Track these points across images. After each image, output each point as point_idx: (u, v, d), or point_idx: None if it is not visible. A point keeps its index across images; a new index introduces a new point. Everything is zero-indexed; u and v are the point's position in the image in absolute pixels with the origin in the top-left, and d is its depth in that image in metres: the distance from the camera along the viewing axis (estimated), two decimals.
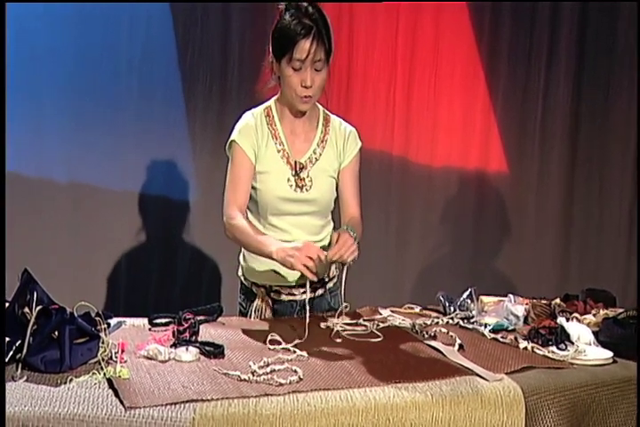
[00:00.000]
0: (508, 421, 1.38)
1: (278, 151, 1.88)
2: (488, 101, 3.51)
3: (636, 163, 3.43)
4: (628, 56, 3.52)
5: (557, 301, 1.94)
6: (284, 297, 1.95)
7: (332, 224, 2.02)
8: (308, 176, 1.89)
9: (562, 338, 1.66)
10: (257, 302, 1.95)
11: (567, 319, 1.79)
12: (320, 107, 1.96)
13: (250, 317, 1.95)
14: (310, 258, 1.63)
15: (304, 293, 1.96)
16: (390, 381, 1.41)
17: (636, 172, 3.49)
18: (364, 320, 1.83)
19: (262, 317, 1.94)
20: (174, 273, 3.21)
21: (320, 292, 2.00)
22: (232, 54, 3.16)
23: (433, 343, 1.67)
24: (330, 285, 2.02)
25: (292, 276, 1.92)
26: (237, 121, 1.92)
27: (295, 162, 1.89)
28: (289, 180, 1.88)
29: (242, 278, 2.03)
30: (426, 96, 3.44)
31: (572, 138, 3.59)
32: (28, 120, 2.92)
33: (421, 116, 3.45)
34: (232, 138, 1.88)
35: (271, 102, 1.93)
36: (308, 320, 1.66)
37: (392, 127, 3.42)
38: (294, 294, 1.95)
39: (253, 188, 1.89)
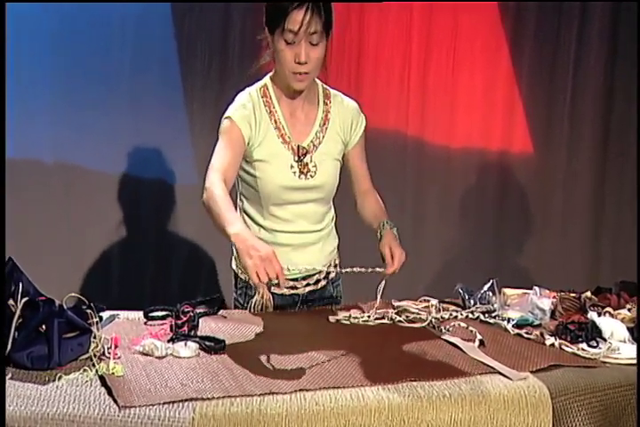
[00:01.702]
0: (533, 423, 1.38)
1: (278, 136, 1.85)
2: (512, 77, 3.46)
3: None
4: None
5: (588, 294, 1.92)
6: (285, 291, 1.94)
7: (332, 210, 2.01)
8: (312, 161, 1.87)
9: (593, 334, 1.65)
10: (257, 298, 1.93)
11: (599, 314, 1.78)
12: (318, 82, 1.92)
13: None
14: (268, 275, 1.49)
15: (307, 285, 1.95)
16: (405, 379, 1.41)
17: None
18: (377, 314, 1.82)
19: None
20: (171, 263, 3.21)
21: (323, 283, 2.00)
22: (233, 27, 3.11)
23: (451, 339, 1.66)
24: (332, 275, 2.02)
25: (294, 267, 1.90)
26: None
27: (298, 146, 1.86)
28: (292, 166, 1.86)
29: (237, 272, 2.00)
30: (444, 71, 3.40)
31: (604, 118, 3.53)
32: (13, 100, 2.90)
33: (438, 92, 3.40)
34: (228, 114, 1.84)
35: (266, 80, 1.89)
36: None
37: (406, 105, 3.39)
38: (297, 288, 1.95)
39: (253, 176, 1.87)
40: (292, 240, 1.92)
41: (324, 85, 1.94)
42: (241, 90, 1.91)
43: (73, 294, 1.51)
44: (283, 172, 1.85)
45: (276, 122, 1.85)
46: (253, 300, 1.94)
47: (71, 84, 2.99)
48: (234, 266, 2.02)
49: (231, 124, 1.83)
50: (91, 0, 2.91)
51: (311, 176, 1.87)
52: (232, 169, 1.80)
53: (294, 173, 1.86)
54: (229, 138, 1.82)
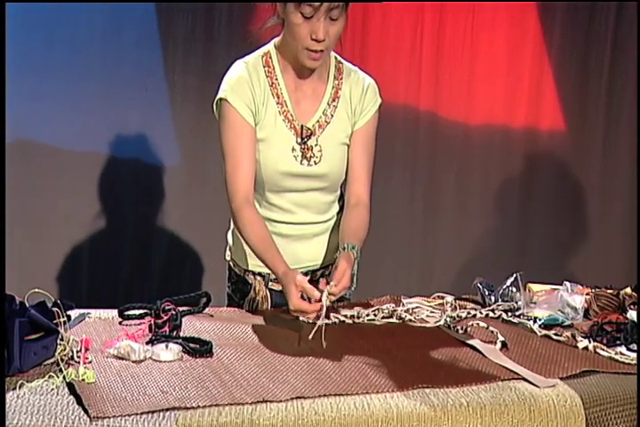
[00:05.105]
0: None
1: (280, 113, 1.84)
2: (541, 42, 3.45)
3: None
4: None
5: (628, 290, 1.93)
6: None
7: (339, 199, 1.99)
8: (316, 144, 1.86)
9: (633, 336, 1.65)
10: (252, 294, 1.94)
11: None
12: (332, 54, 1.89)
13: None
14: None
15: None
16: (416, 385, 1.41)
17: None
18: (384, 312, 1.82)
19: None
20: (150, 255, 3.22)
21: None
22: None
23: (469, 341, 1.67)
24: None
25: (296, 262, 1.91)
26: (227, 70, 1.86)
27: (301, 127, 1.85)
28: (294, 149, 1.85)
29: (231, 264, 2.01)
30: (461, 35, 3.40)
31: None
32: None
33: (455, 61, 3.41)
34: (221, 95, 1.82)
35: (270, 48, 1.87)
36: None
37: (418, 75, 3.39)
38: None
39: None
40: (292, 231, 1.92)
41: (339, 58, 1.92)
42: (233, 57, 1.88)
43: (37, 290, 1.51)
44: (283, 155, 1.84)
45: (278, 96, 1.84)
46: (247, 297, 1.95)
47: (33, 50, 2.97)
48: (228, 257, 2.02)
49: (228, 109, 1.80)
50: None
51: (315, 162, 1.86)
52: (249, 176, 1.82)
53: (295, 157, 1.84)
54: (230, 133, 1.81)
